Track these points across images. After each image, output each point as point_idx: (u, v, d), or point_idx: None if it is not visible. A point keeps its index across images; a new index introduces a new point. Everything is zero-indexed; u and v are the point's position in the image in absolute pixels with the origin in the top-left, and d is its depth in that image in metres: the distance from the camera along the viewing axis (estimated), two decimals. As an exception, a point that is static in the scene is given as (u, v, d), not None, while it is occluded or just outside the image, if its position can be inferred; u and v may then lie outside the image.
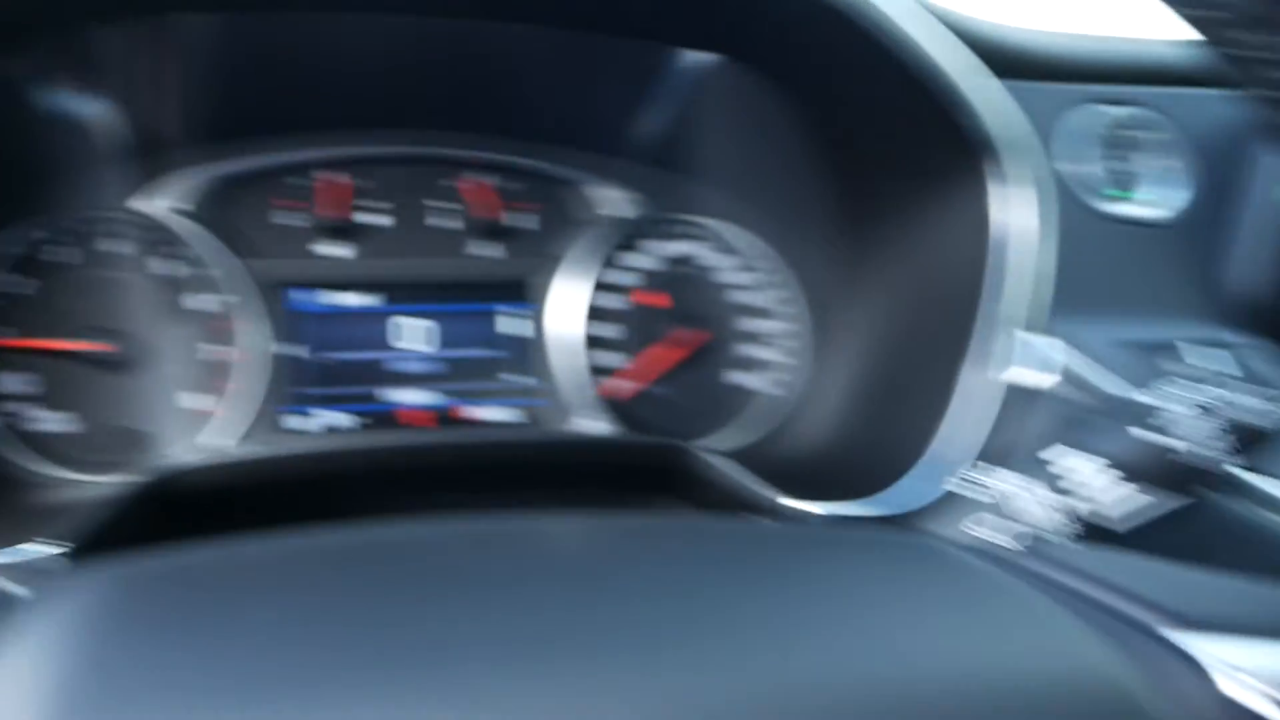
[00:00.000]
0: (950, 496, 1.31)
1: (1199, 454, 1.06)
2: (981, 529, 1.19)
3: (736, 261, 1.88)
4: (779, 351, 1.88)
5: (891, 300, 1.61)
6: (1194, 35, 0.91)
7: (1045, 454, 1.16)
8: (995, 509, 1.19)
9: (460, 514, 1.60)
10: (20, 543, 1.16)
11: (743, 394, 1.87)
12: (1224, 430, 1.07)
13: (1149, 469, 1.08)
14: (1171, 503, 1.09)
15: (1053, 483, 1.13)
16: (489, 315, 1.79)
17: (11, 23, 1.30)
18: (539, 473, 1.61)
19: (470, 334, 1.78)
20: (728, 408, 1.86)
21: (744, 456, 1.62)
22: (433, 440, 1.49)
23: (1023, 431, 1.32)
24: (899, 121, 1.47)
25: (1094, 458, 1.11)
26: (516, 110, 1.76)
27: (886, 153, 1.55)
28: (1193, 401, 1.09)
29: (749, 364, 1.87)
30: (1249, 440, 1.07)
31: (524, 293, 1.80)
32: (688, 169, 1.84)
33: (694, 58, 1.59)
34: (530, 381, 1.79)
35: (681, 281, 1.86)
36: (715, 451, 1.54)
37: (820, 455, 1.68)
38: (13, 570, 1.10)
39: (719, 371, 1.87)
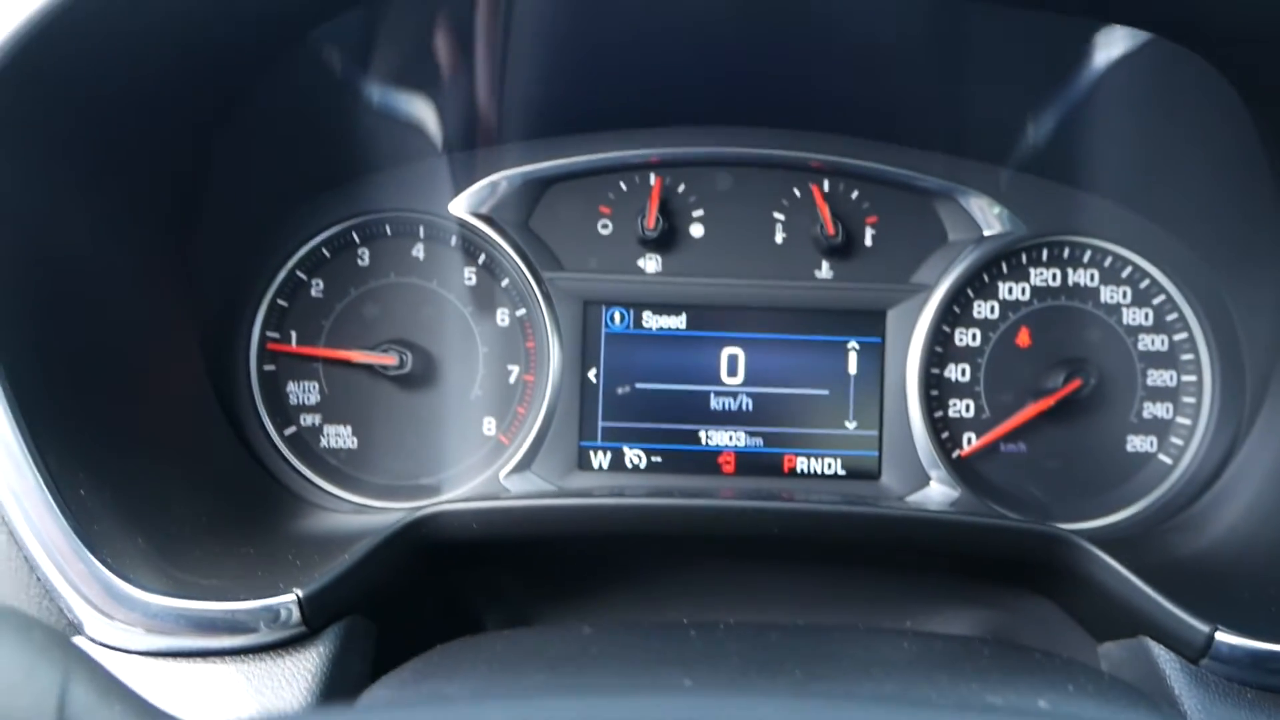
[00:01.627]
0: None
1: None
2: None
3: (1125, 295, 1.53)
4: (1172, 410, 1.51)
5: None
6: None
7: None
8: None
9: (775, 603, 1.41)
10: (278, 572, 1.05)
11: (1119, 460, 1.52)
12: None
13: None
14: None
15: None
16: (831, 350, 1.51)
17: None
18: (882, 549, 1.33)
19: (805, 371, 1.52)
20: (1097, 476, 1.52)
21: (1124, 544, 1.30)
22: (767, 507, 1.23)
23: None
24: None
25: None
26: (878, 107, 1.47)
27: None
28: None
29: (1130, 424, 1.52)
30: None
31: (876, 325, 1.50)
32: (1079, 180, 1.50)
33: (1109, 37, 1.24)
34: (868, 431, 1.50)
35: (1051, 316, 1.53)
36: (1105, 544, 1.19)
37: (1235, 559, 1.31)
38: (252, 614, 0.97)
39: (1089, 430, 1.53)
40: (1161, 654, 1.06)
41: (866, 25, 1.31)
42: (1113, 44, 1.24)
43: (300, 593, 0.97)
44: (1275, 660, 1.02)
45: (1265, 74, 1.16)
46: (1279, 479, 1.34)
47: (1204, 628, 1.03)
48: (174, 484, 1.16)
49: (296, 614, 0.97)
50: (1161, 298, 1.52)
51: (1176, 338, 1.52)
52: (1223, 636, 1.02)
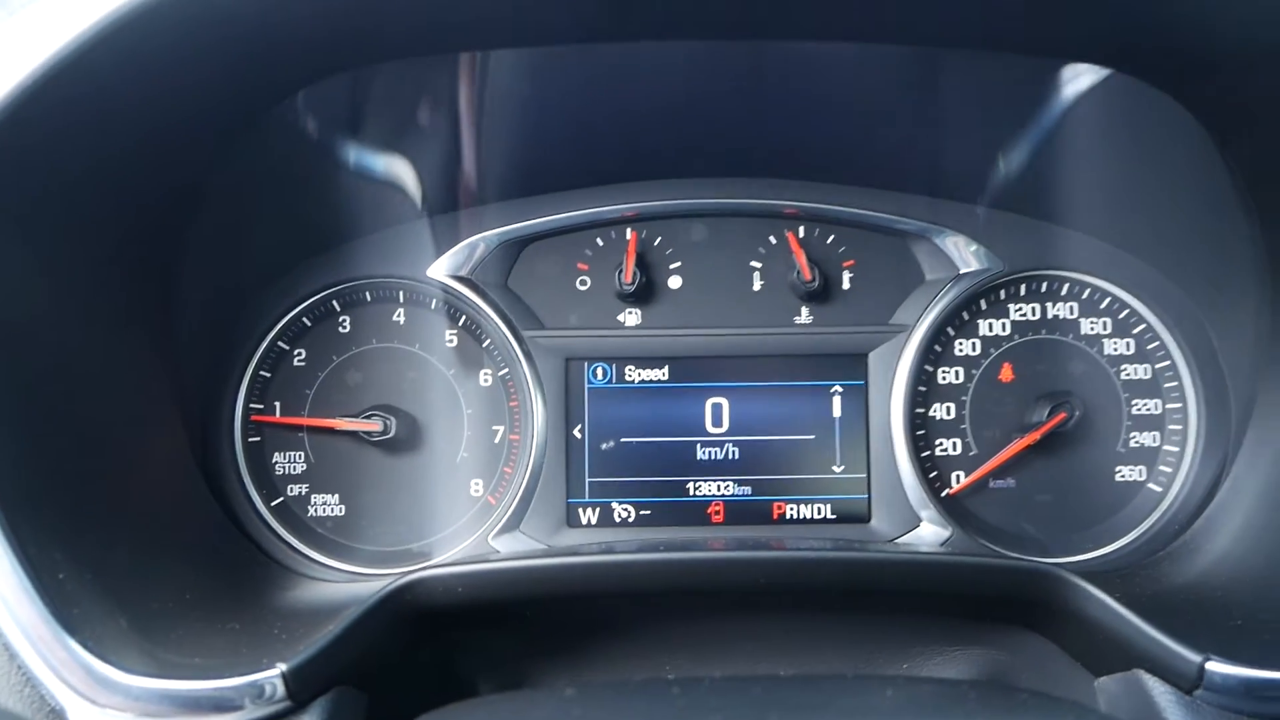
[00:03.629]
0: None
1: None
2: None
3: (1105, 326, 1.54)
4: (1159, 439, 1.52)
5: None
6: None
7: None
8: None
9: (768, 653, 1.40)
10: (264, 646, 1.04)
11: (1109, 491, 1.52)
12: None
13: None
14: None
15: None
16: (814, 395, 1.52)
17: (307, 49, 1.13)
18: (875, 593, 1.32)
19: (789, 417, 1.52)
20: (1088, 508, 1.52)
21: (1116, 576, 1.29)
22: (757, 558, 1.23)
23: None
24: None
25: None
26: (849, 152, 1.49)
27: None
28: None
29: (1118, 454, 1.52)
30: None
31: (858, 368, 1.51)
32: (1052, 214, 1.51)
33: (1072, 74, 1.25)
34: (855, 474, 1.50)
35: (1033, 350, 1.53)
36: (1094, 578, 1.18)
37: (1226, 587, 1.30)
38: (237, 691, 0.95)
39: (1077, 462, 1.53)
40: (1156, 686, 1.05)
41: (837, 76, 1.32)
42: (1079, 82, 1.26)
43: (284, 666, 0.97)
44: (1269, 688, 1.01)
45: (1223, 105, 1.18)
46: (1267, 503, 1.33)
47: (1195, 658, 1.02)
48: (158, 562, 1.16)
49: (281, 689, 0.96)
50: (1142, 327, 1.53)
51: (1159, 366, 1.52)
52: (1215, 666, 1.01)
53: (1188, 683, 1.02)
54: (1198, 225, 1.41)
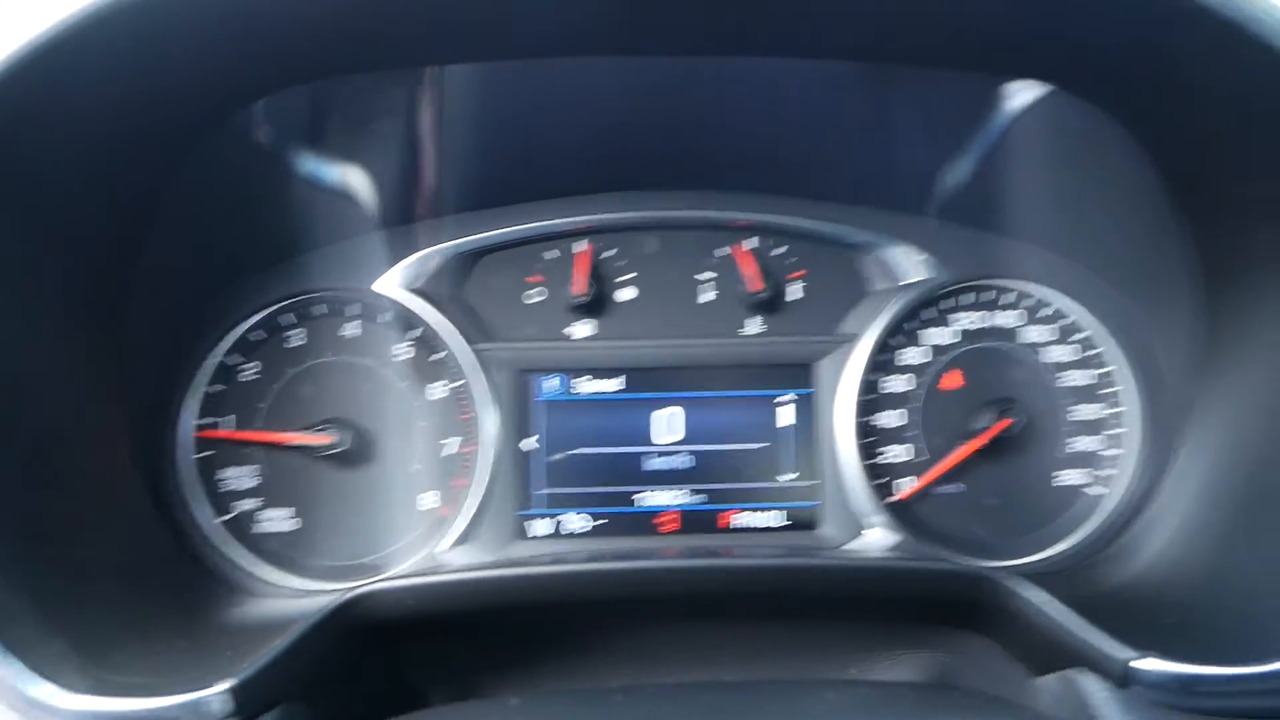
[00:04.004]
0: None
1: None
2: None
3: (1050, 333, 1.56)
4: (1101, 442, 1.54)
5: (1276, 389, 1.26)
6: None
7: None
8: None
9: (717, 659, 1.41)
10: (209, 664, 1.03)
11: (1054, 494, 1.54)
12: None
13: None
14: None
15: None
16: (764, 404, 1.53)
17: (258, 74, 1.13)
18: (821, 599, 1.34)
19: (740, 426, 1.53)
20: (1034, 511, 1.54)
21: (1057, 577, 1.32)
22: (706, 565, 1.24)
23: None
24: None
25: None
26: (799, 165, 1.51)
27: (1270, 200, 1.19)
28: None
29: (1062, 458, 1.55)
30: None
31: (806, 377, 1.53)
32: (997, 225, 1.53)
33: (1013, 90, 1.30)
34: (806, 482, 1.52)
35: (979, 358, 1.56)
36: (1034, 580, 1.20)
37: (1162, 585, 1.33)
38: (181, 709, 0.96)
39: (1023, 466, 1.55)
40: (1090, 683, 1.07)
41: (786, 91, 1.35)
42: (1021, 97, 1.29)
43: (229, 684, 0.97)
44: (1201, 683, 1.03)
45: (1154, 121, 1.21)
46: (1204, 503, 1.36)
47: (1126, 654, 1.04)
48: (101, 581, 1.15)
49: (226, 705, 0.96)
50: (1083, 334, 1.55)
51: (1099, 372, 1.55)
52: (1146, 662, 1.03)
53: (1120, 679, 1.05)
54: (1138, 236, 1.44)
